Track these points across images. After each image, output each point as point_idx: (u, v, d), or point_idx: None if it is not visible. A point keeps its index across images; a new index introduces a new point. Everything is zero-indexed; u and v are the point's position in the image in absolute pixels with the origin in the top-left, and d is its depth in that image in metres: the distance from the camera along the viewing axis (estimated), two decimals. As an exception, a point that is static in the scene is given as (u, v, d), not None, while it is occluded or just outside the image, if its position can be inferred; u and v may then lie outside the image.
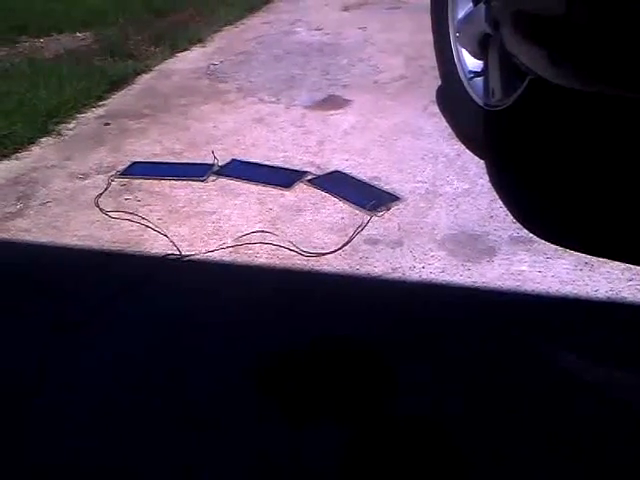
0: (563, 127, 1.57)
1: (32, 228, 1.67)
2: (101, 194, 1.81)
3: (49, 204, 1.78)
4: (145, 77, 2.76)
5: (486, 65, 1.87)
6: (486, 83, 1.86)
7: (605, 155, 1.64)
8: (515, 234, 1.55)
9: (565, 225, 1.58)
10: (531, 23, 1.29)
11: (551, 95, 1.48)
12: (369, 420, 1.10)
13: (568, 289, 1.37)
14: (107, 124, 2.29)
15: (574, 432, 1.05)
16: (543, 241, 1.52)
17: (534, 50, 1.30)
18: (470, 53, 1.97)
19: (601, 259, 1.45)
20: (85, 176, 1.93)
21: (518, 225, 1.59)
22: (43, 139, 2.17)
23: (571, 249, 1.48)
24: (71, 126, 2.28)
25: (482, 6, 1.80)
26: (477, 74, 1.94)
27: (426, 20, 2.29)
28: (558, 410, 1.10)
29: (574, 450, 1.02)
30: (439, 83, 2.31)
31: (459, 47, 2.01)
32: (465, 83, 1.96)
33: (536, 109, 1.58)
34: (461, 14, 2.00)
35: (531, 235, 1.55)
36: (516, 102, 1.64)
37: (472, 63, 1.97)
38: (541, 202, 1.67)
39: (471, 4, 1.95)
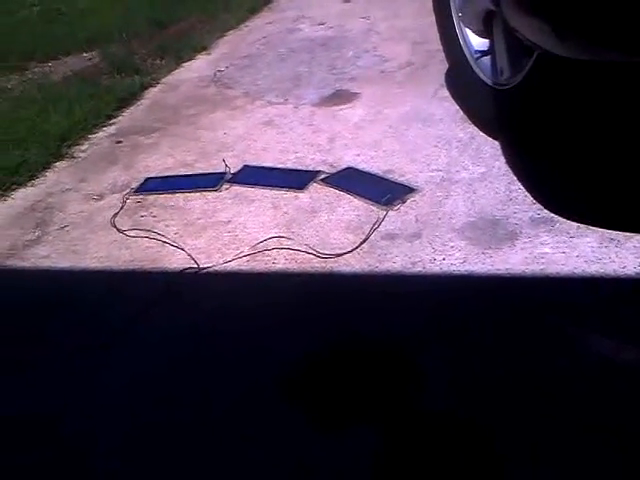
0: (575, 100, 1.52)
1: (51, 254, 1.68)
2: (117, 213, 1.81)
3: (67, 228, 1.79)
4: (153, 91, 2.76)
5: (492, 43, 1.82)
6: (493, 62, 1.82)
7: (619, 126, 1.58)
8: (536, 215, 1.51)
9: (587, 201, 1.53)
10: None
11: (560, 69, 1.43)
12: (401, 419, 1.08)
13: (594, 268, 1.32)
14: (119, 142, 2.30)
15: (612, 417, 1.02)
16: (565, 220, 1.48)
17: (537, 24, 1.26)
18: (474, 32, 1.92)
19: (627, 234, 1.40)
20: (100, 197, 1.94)
21: (538, 206, 1.54)
22: (57, 163, 2.19)
23: (595, 226, 1.44)
24: (84, 148, 2.29)
25: (483, -17, 1.75)
26: (484, 53, 1.89)
27: (429, 3, 2.25)
28: (593, 396, 1.07)
29: (613, 436, 0.99)
30: (447, 66, 2.26)
31: (463, 27, 1.96)
32: (472, 63, 1.92)
33: (546, 84, 1.54)
34: (462, -6, 1.96)
35: (552, 215, 1.50)
36: (525, 79, 1.60)
37: (478, 42, 1.92)
38: (560, 180, 1.62)
39: (471, -18, 1.90)
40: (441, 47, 2.23)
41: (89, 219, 1.83)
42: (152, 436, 1.13)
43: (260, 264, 1.51)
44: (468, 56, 1.93)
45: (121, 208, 1.84)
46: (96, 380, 1.27)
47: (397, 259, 1.45)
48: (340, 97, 2.36)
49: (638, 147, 1.61)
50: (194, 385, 1.22)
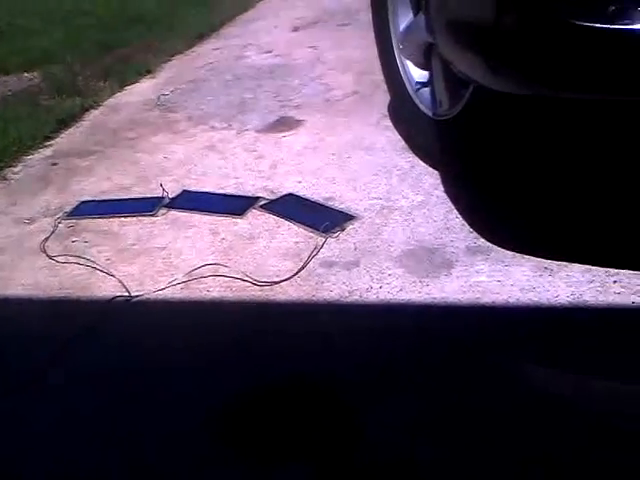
0: (512, 131, 1.55)
1: (-26, 280, 1.60)
2: (47, 238, 1.74)
3: (-7, 253, 1.71)
4: (94, 113, 2.70)
5: (431, 75, 1.85)
6: (433, 93, 1.84)
7: (555, 156, 1.62)
8: (472, 244, 1.52)
9: (522, 230, 1.55)
10: (465, 32, 1.27)
11: (495, 101, 1.46)
12: (335, 460, 1.04)
13: (529, 297, 1.33)
14: (54, 164, 2.22)
15: (549, 450, 1.01)
16: (501, 249, 1.49)
17: (470, 58, 1.28)
18: (415, 64, 1.95)
19: (561, 262, 1.42)
20: (31, 220, 1.86)
21: (475, 234, 1.55)
22: (-12, 186, 2.10)
23: (530, 255, 1.45)
24: (17, 169, 2.21)
25: (422, 16, 1.78)
26: (423, 84, 1.91)
27: (374, 34, 2.28)
28: (530, 429, 1.06)
29: (550, 468, 0.98)
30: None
31: (403, 59, 1.99)
32: (412, 94, 1.94)
33: (483, 116, 1.56)
34: (403, 25, 1.99)
35: (488, 244, 1.52)
36: (463, 110, 1.62)
37: (418, 74, 1.95)
38: (497, 208, 1.65)
39: (411, 15, 1.94)
40: (385, 77, 2.26)
41: (18, 244, 1.75)
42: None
43: (194, 292, 1.46)
44: (408, 87, 1.96)
45: (52, 233, 1.76)
46: (17, 423, 1.19)
47: (334, 287, 1.43)
48: (284, 124, 2.36)
49: (573, 177, 1.65)
50: (123, 423, 1.16)
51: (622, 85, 1.01)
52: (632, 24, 0.94)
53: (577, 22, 0.95)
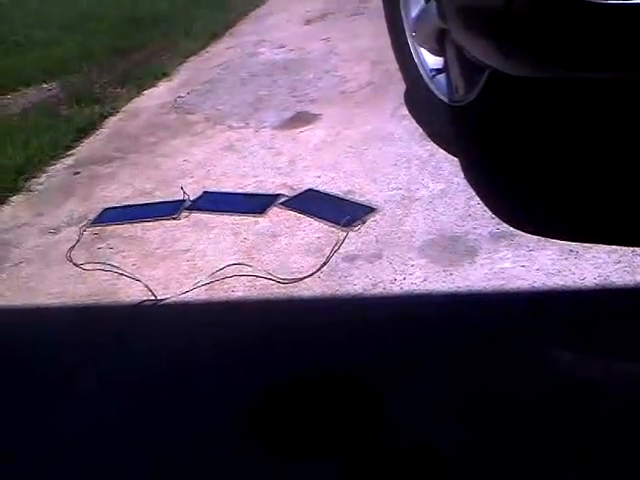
0: (530, 115, 1.52)
1: (5, 292, 1.63)
2: (73, 247, 1.77)
3: (22, 264, 1.74)
4: (113, 119, 2.73)
5: (446, 61, 1.83)
6: (448, 79, 1.82)
7: (573, 137, 1.59)
8: (495, 230, 1.50)
9: (545, 214, 1.53)
10: (476, 17, 1.26)
11: (511, 85, 1.44)
12: (362, 451, 1.05)
13: (554, 280, 1.32)
14: (77, 173, 2.26)
15: (578, 435, 1.00)
16: (525, 233, 1.47)
17: (483, 43, 1.26)
18: (429, 51, 1.93)
19: (586, 245, 1.40)
20: (57, 230, 1.89)
21: (497, 220, 1.54)
22: (13, 198, 2.14)
23: (554, 238, 1.43)
24: (41, 180, 2.25)
25: (433, 2, 1.76)
26: (438, 71, 1.89)
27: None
28: (558, 414, 1.05)
29: (580, 453, 0.97)
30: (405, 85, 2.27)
31: (417, 46, 1.97)
32: (428, 82, 1.92)
33: (499, 100, 1.54)
34: (414, 12, 1.96)
35: (511, 229, 1.50)
36: (479, 95, 1.60)
37: (432, 61, 1.92)
38: (518, 193, 1.62)
39: (423, 1, 1.92)
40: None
41: (45, 254, 1.78)
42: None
43: (219, 293, 1.48)
44: (424, 75, 1.94)
45: (77, 241, 1.79)
46: (53, 426, 1.22)
47: (357, 281, 1.43)
48: (301, 119, 2.35)
49: (594, 158, 1.62)
50: (154, 425, 1.18)
51: (636, 62, 0.99)
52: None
53: (588, 0, 0.93)
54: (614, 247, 1.37)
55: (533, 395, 1.09)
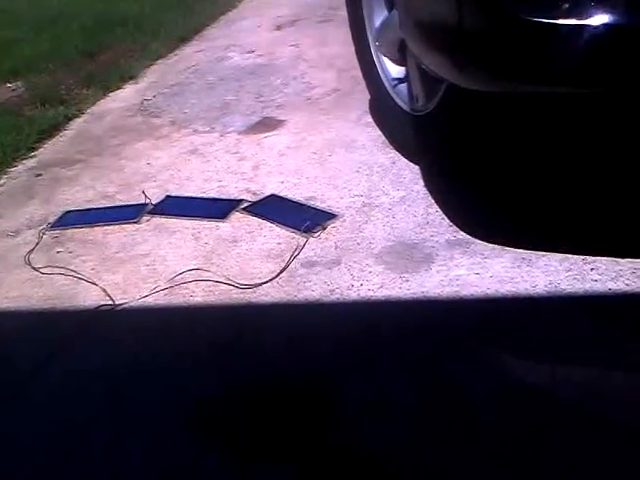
0: (486, 124, 1.56)
1: (-40, 295, 1.61)
2: (32, 250, 1.75)
3: (-22, 267, 1.72)
4: (77, 121, 2.70)
5: (407, 71, 1.86)
6: (409, 89, 1.85)
7: (528, 147, 1.63)
8: (452, 237, 1.53)
9: (501, 222, 1.56)
10: (432, 32, 1.29)
11: (469, 95, 1.47)
12: (315, 455, 1.06)
13: (507, 288, 1.35)
14: (38, 175, 2.23)
15: (526, 440, 1.03)
16: (480, 241, 1.50)
17: (439, 57, 1.29)
18: (391, 60, 1.96)
19: (539, 252, 1.44)
20: (16, 233, 1.87)
21: (455, 228, 1.57)
22: (-28, 200, 2.11)
23: (508, 246, 1.47)
24: (1, 182, 2.22)
25: (396, 12, 1.79)
26: (400, 80, 1.92)
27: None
28: (506, 416, 1.08)
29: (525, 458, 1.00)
30: (370, 92, 2.30)
31: (380, 55, 2.00)
32: (390, 90, 1.95)
33: (457, 110, 1.57)
34: (378, 22, 1.99)
35: (468, 237, 1.53)
36: (438, 105, 1.63)
37: (395, 70, 1.96)
38: (475, 201, 1.66)
39: (386, 11, 1.95)
40: (365, 74, 2.27)
41: (3, 257, 1.76)
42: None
43: (178, 298, 1.48)
44: (386, 83, 1.97)
45: (37, 244, 1.77)
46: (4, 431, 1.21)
47: (316, 287, 1.44)
48: (266, 125, 2.36)
49: (548, 167, 1.66)
50: (108, 431, 1.17)
51: (581, 78, 1.03)
52: (584, 19, 0.95)
53: (534, 19, 0.97)
54: (566, 255, 1.41)
55: (483, 399, 1.11)
